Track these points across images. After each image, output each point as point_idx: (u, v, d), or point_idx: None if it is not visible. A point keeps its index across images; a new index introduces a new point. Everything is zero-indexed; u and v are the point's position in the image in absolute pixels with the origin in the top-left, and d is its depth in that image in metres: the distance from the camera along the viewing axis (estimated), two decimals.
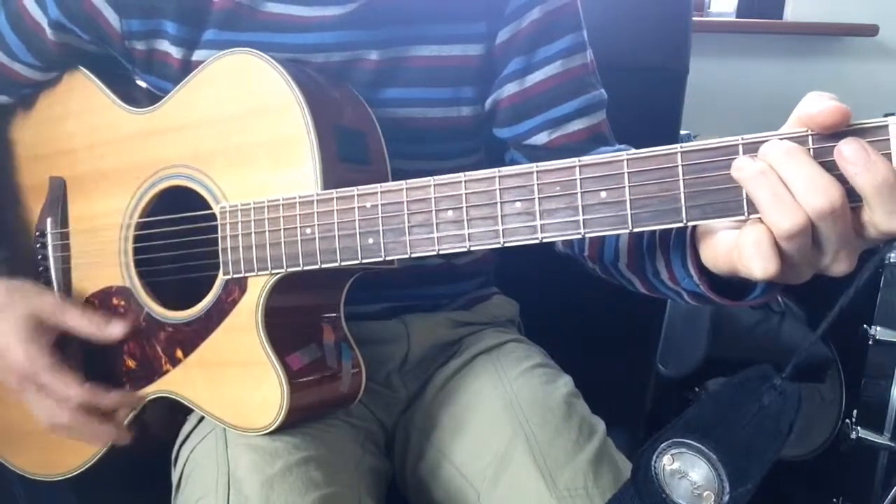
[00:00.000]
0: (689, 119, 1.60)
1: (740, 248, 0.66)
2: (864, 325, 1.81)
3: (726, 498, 0.69)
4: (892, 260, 1.77)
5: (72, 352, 1.07)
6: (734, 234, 0.69)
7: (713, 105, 2.44)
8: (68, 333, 1.04)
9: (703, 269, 0.77)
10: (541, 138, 1.09)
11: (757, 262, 0.65)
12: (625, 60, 1.45)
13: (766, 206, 0.63)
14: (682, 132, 1.71)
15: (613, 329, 1.55)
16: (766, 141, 0.64)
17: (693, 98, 1.56)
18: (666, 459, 0.72)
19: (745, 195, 0.65)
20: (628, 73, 1.29)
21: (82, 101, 1.09)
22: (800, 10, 2.68)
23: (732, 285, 0.78)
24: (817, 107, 0.61)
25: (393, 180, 0.84)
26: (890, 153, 0.60)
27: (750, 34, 2.67)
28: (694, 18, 1.59)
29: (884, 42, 2.70)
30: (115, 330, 1.03)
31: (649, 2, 1.55)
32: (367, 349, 1.04)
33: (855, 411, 1.84)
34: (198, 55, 1.02)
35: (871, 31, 2.65)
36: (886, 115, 0.60)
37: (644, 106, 1.45)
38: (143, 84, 1.11)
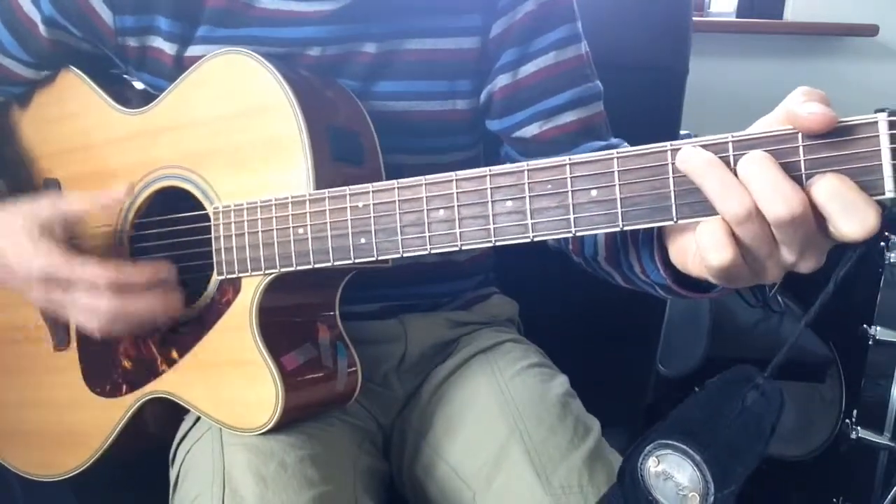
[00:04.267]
0: (689, 119, 1.59)
1: (697, 240, 0.66)
2: (864, 325, 1.80)
3: (711, 499, 0.69)
4: (892, 260, 1.77)
5: (69, 350, 1.08)
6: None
7: (713, 105, 2.43)
8: (75, 231, 1.00)
9: (667, 263, 0.78)
10: (531, 130, 1.08)
11: (712, 252, 0.65)
12: (625, 60, 1.45)
13: (716, 195, 0.63)
14: (682, 132, 1.71)
15: (613, 329, 1.55)
16: (756, 138, 0.64)
17: (693, 98, 1.56)
18: (651, 461, 0.72)
19: None
20: (628, 73, 1.30)
21: (76, 102, 1.09)
22: (800, 10, 2.68)
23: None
24: (805, 109, 0.61)
25: (390, 175, 0.85)
26: (879, 150, 0.60)
27: (750, 34, 2.67)
28: (694, 18, 1.59)
29: (884, 42, 2.69)
30: (116, 194, 1.00)
31: (649, 2, 1.54)
32: (365, 349, 1.04)
33: (855, 411, 1.84)
34: (191, 51, 1.03)
35: (871, 31, 2.65)
36: (877, 111, 0.60)
37: (644, 106, 1.45)
38: (136, 84, 1.11)
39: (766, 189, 0.61)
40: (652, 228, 0.80)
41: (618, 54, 1.19)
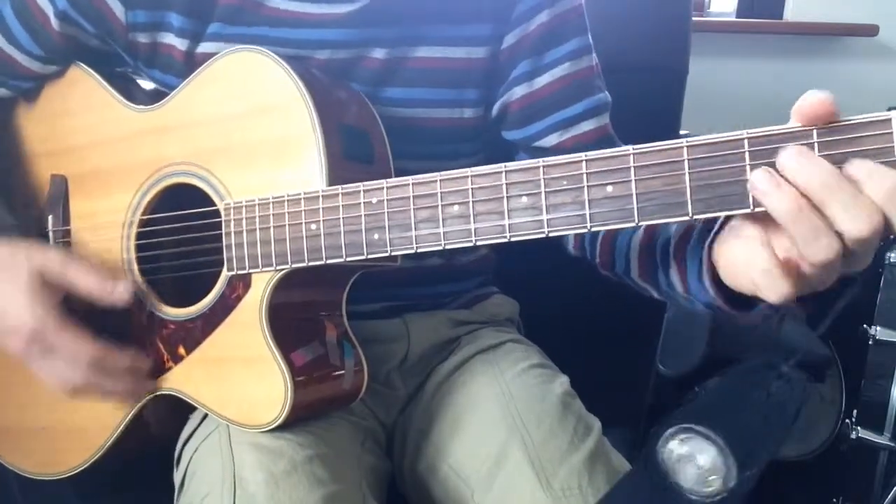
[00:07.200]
0: (689, 119, 1.60)
1: (752, 279, 0.67)
2: (864, 325, 1.81)
3: (732, 482, 0.69)
4: (892, 260, 1.77)
5: None
6: (751, 255, 0.69)
7: (713, 105, 2.43)
8: (74, 295, 1.00)
9: (719, 284, 0.78)
10: (550, 140, 1.10)
11: (771, 292, 0.66)
12: (625, 60, 1.45)
13: (804, 242, 0.63)
14: (682, 132, 1.71)
15: (613, 329, 1.55)
16: (772, 135, 0.64)
17: (693, 98, 1.56)
18: (673, 444, 0.72)
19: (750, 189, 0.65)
20: (628, 73, 1.29)
21: (85, 98, 1.09)
22: (800, 10, 2.68)
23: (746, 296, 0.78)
24: (802, 100, 0.62)
25: None
26: (893, 146, 0.60)
27: (750, 34, 2.68)
28: (694, 18, 1.60)
29: (884, 42, 2.70)
30: (122, 289, 0.99)
31: (649, 2, 1.55)
32: (368, 348, 1.04)
33: (855, 411, 1.85)
34: (202, 48, 1.03)
35: (871, 31, 2.65)
36: (890, 109, 0.60)
37: (644, 106, 1.45)
38: (144, 83, 1.11)
39: (846, 213, 0.61)
40: (698, 249, 0.80)
41: (618, 54, 1.19)
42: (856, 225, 0.61)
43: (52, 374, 0.99)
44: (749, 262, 0.69)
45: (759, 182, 0.64)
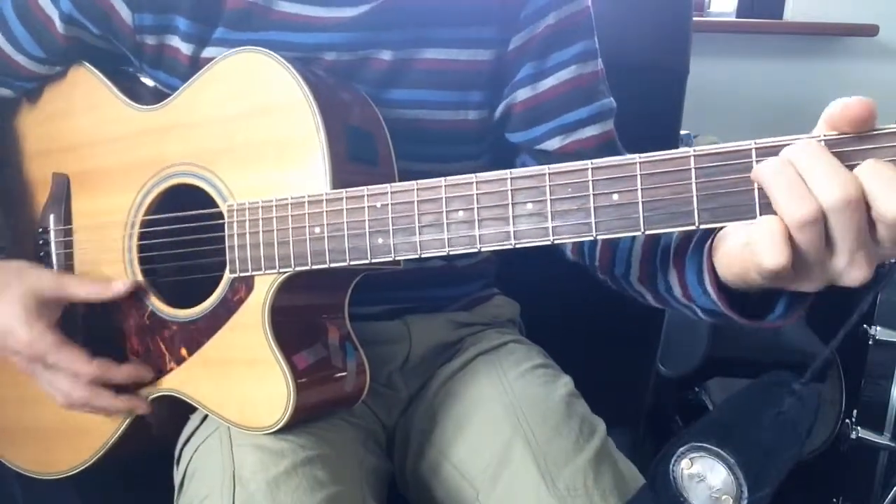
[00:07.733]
0: (689, 119, 1.60)
1: (751, 238, 0.66)
2: (864, 325, 1.81)
3: (744, 502, 0.69)
4: (892, 260, 1.77)
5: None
6: (745, 232, 0.69)
7: (713, 105, 2.44)
8: (71, 307, 1.06)
9: (720, 286, 0.78)
10: (553, 143, 1.09)
11: (768, 252, 0.64)
12: (625, 60, 1.44)
13: (780, 196, 0.63)
14: (682, 132, 1.71)
15: (613, 329, 1.55)
16: (780, 145, 0.64)
17: (693, 98, 1.56)
18: (684, 463, 0.72)
19: (757, 199, 0.65)
20: (628, 73, 1.29)
21: (87, 97, 1.09)
22: (800, 10, 2.69)
23: (751, 303, 0.77)
24: (842, 103, 0.62)
25: (399, 181, 0.84)
26: None
27: (750, 34, 2.68)
28: (694, 18, 1.59)
29: (884, 42, 2.70)
30: (117, 287, 1.03)
31: (649, 2, 1.54)
32: (369, 350, 1.04)
33: (855, 411, 1.85)
34: (207, 52, 1.03)
35: (871, 31, 2.66)
36: None
37: (644, 106, 1.45)
38: (148, 82, 1.11)
39: (822, 173, 0.61)
40: (699, 250, 0.80)
41: (618, 55, 1.18)
42: (828, 187, 0.61)
43: (54, 389, 1.04)
44: (747, 238, 0.68)
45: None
